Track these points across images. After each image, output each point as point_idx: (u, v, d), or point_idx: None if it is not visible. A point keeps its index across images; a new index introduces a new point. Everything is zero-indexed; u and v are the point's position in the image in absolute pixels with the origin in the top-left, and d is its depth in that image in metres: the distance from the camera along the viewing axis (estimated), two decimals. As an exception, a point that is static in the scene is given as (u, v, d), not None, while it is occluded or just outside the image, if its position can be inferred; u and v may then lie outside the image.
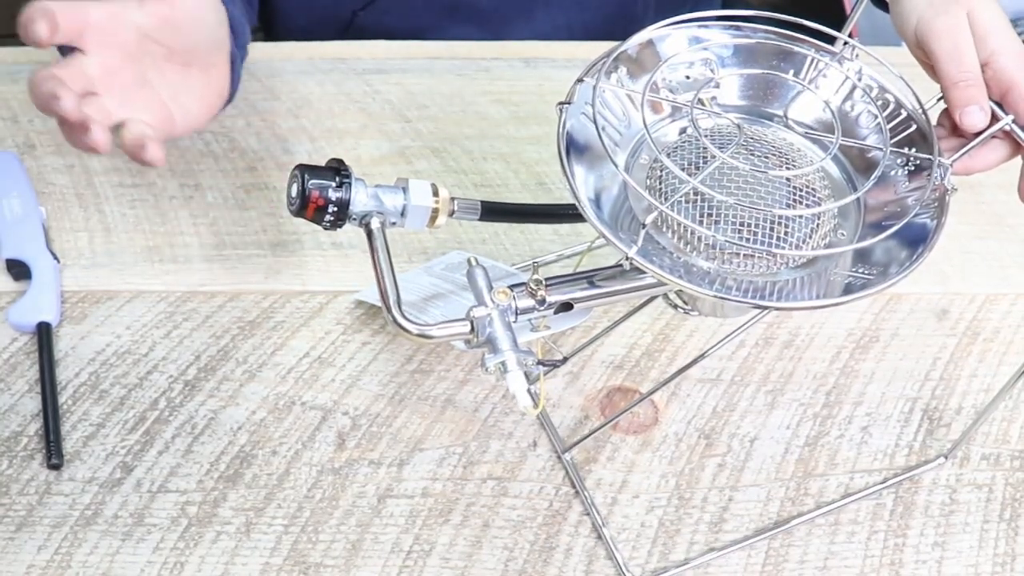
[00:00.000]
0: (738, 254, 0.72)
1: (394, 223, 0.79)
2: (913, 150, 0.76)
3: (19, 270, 0.92)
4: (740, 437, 0.87)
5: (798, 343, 0.92)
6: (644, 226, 0.70)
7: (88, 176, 1.00)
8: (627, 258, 0.69)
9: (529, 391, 0.71)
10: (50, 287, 0.90)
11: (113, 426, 0.84)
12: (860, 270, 0.72)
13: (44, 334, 0.87)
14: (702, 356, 0.77)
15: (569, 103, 0.75)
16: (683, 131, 0.77)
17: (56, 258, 0.92)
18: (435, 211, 0.79)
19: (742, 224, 0.72)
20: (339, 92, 1.09)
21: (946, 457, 0.86)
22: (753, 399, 0.89)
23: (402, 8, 1.20)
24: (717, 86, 0.79)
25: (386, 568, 0.78)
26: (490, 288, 0.74)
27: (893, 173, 0.76)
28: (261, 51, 1.13)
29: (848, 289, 0.71)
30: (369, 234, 0.77)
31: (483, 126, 1.07)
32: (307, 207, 0.76)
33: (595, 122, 0.72)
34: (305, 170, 0.76)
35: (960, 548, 0.81)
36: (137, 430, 0.84)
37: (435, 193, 0.79)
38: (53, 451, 0.81)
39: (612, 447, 0.85)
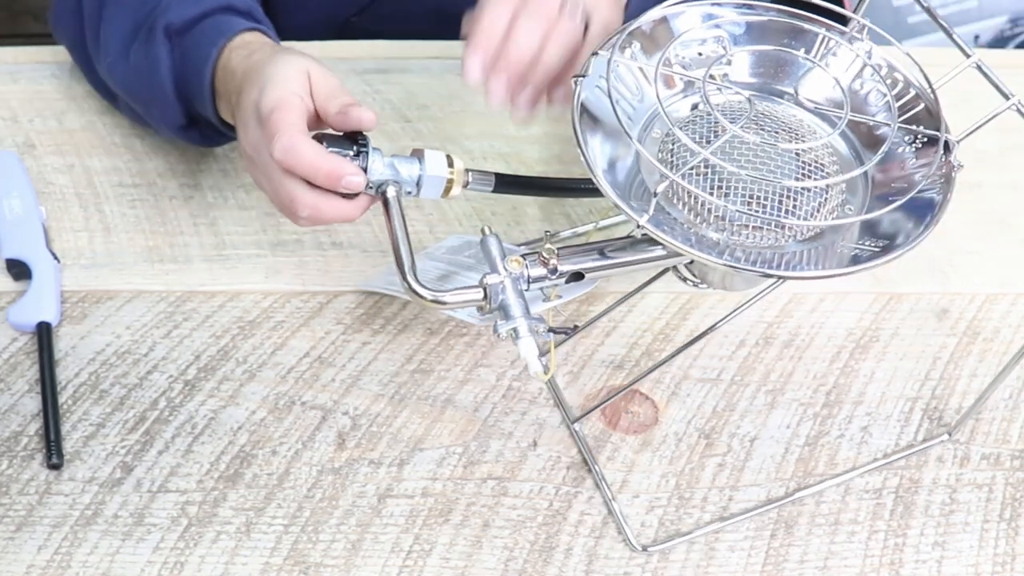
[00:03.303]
0: (747, 226, 0.73)
1: (409, 192, 0.81)
2: (921, 127, 0.77)
3: (19, 270, 0.92)
4: (740, 437, 0.86)
5: (798, 343, 0.92)
6: (655, 195, 0.71)
7: (88, 176, 1.00)
8: (638, 226, 0.70)
9: (540, 359, 0.74)
10: (50, 287, 0.90)
11: (113, 426, 0.84)
12: (867, 243, 0.73)
13: (44, 334, 0.87)
14: (711, 330, 0.77)
15: (584, 76, 0.76)
16: (695, 107, 0.78)
17: (56, 258, 0.92)
18: (450, 181, 0.81)
19: (751, 196, 0.73)
20: (339, 92, 1.09)
21: (950, 435, 0.86)
22: (753, 399, 0.89)
23: (396, 15, 1.20)
24: (729, 63, 0.80)
25: (386, 568, 0.78)
26: (503, 256, 0.76)
27: (901, 150, 0.77)
28: (261, 51, 1.13)
29: (856, 260, 0.71)
30: (385, 203, 0.79)
31: (483, 126, 1.07)
32: None
33: (609, 95, 0.73)
34: (324, 138, 0.79)
35: (960, 548, 0.81)
36: (137, 430, 0.84)
37: (450, 164, 0.81)
38: (53, 451, 0.81)
39: (612, 447, 0.85)
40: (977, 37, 1.65)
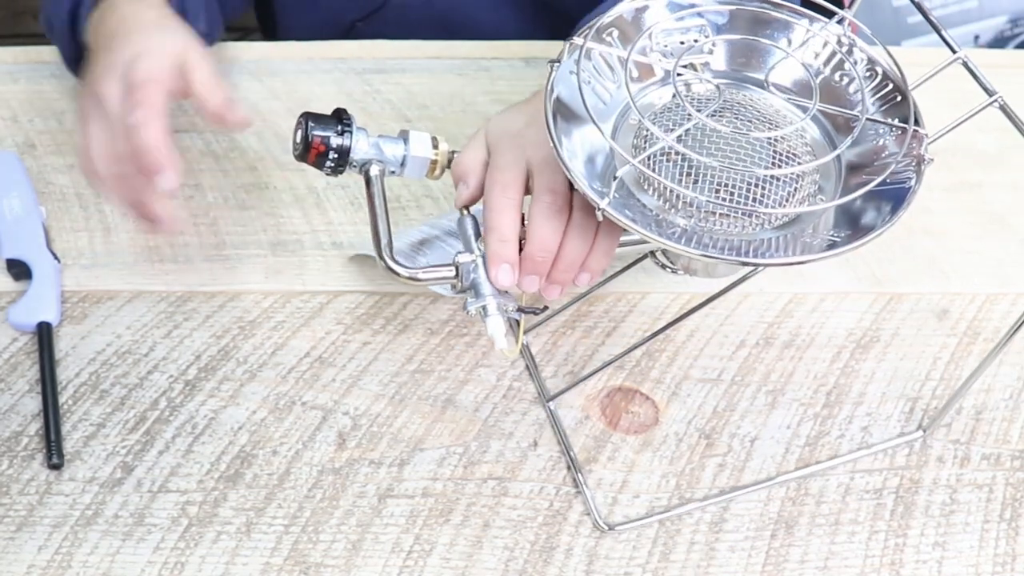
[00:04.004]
0: (714, 213, 0.74)
1: (393, 172, 0.83)
2: (896, 120, 0.77)
3: (19, 270, 0.92)
4: (740, 437, 0.87)
5: (798, 343, 0.92)
6: (615, 178, 0.72)
7: (88, 176, 1.00)
8: (599, 209, 0.71)
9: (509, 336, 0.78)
10: (50, 287, 0.90)
11: (114, 426, 0.84)
12: (843, 232, 0.74)
13: (44, 334, 0.87)
14: (686, 315, 0.81)
15: (559, 61, 0.77)
16: (675, 96, 0.79)
17: (56, 258, 0.92)
18: (434, 163, 0.83)
19: (720, 184, 0.73)
20: (339, 92, 1.09)
21: (925, 431, 0.86)
22: (753, 399, 0.89)
23: (401, 21, 1.20)
24: (710, 52, 0.80)
25: (386, 568, 0.78)
26: (478, 236, 0.79)
27: (880, 142, 0.77)
28: (261, 51, 1.13)
29: (831, 248, 0.72)
30: (368, 181, 0.82)
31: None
32: (309, 152, 0.80)
33: (579, 81, 0.74)
34: (309, 117, 0.81)
35: (960, 548, 0.81)
36: (138, 430, 0.84)
37: (435, 146, 0.83)
38: (54, 451, 0.81)
39: (612, 447, 0.85)
40: (977, 37, 1.65)
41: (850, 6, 0.81)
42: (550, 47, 1.16)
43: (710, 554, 0.80)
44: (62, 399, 0.85)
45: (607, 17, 0.79)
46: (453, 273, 0.79)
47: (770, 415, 0.88)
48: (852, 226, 0.74)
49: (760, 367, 0.91)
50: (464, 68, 1.12)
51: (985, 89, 0.75)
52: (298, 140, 0.80)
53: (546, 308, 0.84)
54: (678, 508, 0.82)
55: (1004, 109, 0.75)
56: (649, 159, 0.74)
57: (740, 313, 0.94)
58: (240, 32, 1.74)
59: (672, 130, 0.73)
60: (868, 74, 0.80)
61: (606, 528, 0.80)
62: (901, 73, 0.78)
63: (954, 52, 0.76)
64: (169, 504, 0.80)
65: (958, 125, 0.75)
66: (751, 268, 0.77)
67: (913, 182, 0.75)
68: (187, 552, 0.78)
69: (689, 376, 0.90)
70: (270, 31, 1.30)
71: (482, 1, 1.20)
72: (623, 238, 0.80)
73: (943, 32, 0.77)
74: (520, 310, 0.79)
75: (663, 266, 0.81)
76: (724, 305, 0.93)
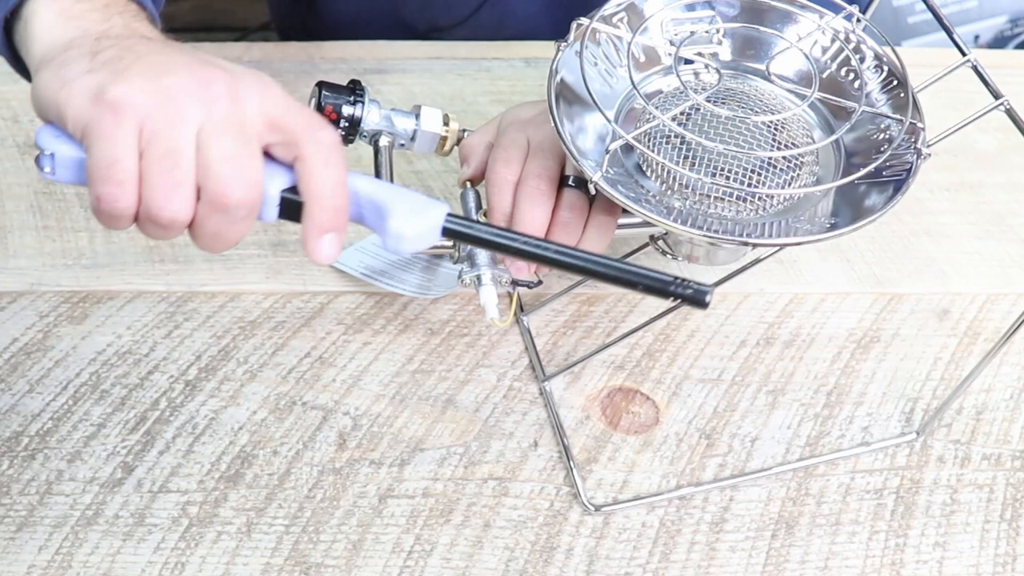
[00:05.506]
0: (709, 196, 0.75)
1: (403, 145, 0.85)
2: (896, 113, 0.79)
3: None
4: (741, 437, 0.87)
5: (799, 343, 0.92)
6: (607, 152, 0.73)
7: (88, 176, 1.00)
8: (591, 182, 0.73)
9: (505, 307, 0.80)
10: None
11: (114, 426, 0.84)
12: (837, 221, 0.75)
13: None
14: (670, 309, 0.83)
15: (566, 41, 0.79)
16: (678, 78, 0.80)
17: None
18: (443, 139, 0.85)
19: (718, 169, 0.75)
20: (339, 92, 1.09)
21: (919, 434, 0.87)
22: (754, 399, 0.89)
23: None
24: (719, 43, 0.81)
25: (387, 568, 0.78)
26: (478, 208, 0.82)
27: (882, 136, 0.78)
28: (261, 51, 1.13)
29: (833, 228, 0.74)
30: (376, 151, 0.83)
31: (484, 126, 1.07)
32: None
33: (581, 62, 0.75)
34: (324, 86, 0.84)
35: (961, 548, 0.81)
36: (138, 430, 0.84)
37: (446, 123, 0.85)
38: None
39: (613, 447, 0.85)
40: (977, 37, 1.65)
41: (865, 10, 0.82)
42: (550, 47, 1.15)
43: (710, 554, 0.80)
44: (62, 399, 0.85)
45: (609, 8, 0.80)
46: (451, 243, 0.80)
47: (770, 415, 0.88)
48: (853, 215, 0.75)
49: (760, 367, 0.91)
50: (464, 68, 1.12)
51: (992, 92, 0.75)
52: (311, 108, 0.81)
53: (540, 282, 0.84)
54: (668, 493, 0.82)
55: (1010, 113, 0.75)
56: (647, 137, 0.74)
57: (740, 313, 0.94)
58: (240, 32, 1.74)
59: (675, 115, 0.75)
60: (875, 68, 0.81)
61: (592, 509, 0.80)
62: (902, 66, 0.79)
63: (964, 55, 0.76)
64: (169, 504, 0.80)
65: (964, 126, 0.76)
66: (752, 260, 0.78)
67: (911, 171, 0.76)
68: (187, 552, 0.78)
69: (689, 376, 0.90)
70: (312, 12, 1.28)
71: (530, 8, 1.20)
72: (625, 220, 0.81)
73: (954, 35, 0.78)
74: (514, 283, 0.81)
75: (664, 252, 0.82)
76: (724, 305, 0.93)
